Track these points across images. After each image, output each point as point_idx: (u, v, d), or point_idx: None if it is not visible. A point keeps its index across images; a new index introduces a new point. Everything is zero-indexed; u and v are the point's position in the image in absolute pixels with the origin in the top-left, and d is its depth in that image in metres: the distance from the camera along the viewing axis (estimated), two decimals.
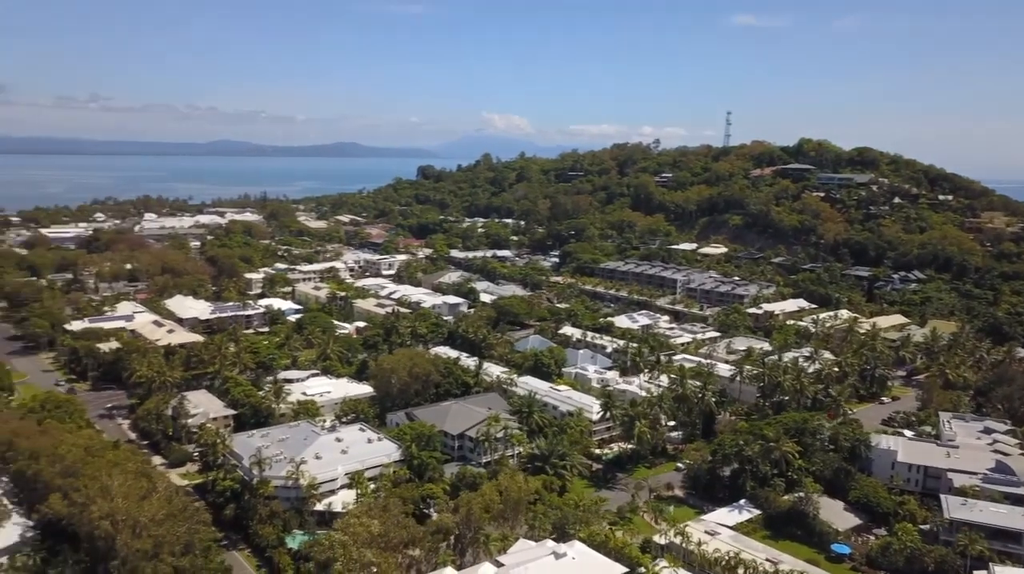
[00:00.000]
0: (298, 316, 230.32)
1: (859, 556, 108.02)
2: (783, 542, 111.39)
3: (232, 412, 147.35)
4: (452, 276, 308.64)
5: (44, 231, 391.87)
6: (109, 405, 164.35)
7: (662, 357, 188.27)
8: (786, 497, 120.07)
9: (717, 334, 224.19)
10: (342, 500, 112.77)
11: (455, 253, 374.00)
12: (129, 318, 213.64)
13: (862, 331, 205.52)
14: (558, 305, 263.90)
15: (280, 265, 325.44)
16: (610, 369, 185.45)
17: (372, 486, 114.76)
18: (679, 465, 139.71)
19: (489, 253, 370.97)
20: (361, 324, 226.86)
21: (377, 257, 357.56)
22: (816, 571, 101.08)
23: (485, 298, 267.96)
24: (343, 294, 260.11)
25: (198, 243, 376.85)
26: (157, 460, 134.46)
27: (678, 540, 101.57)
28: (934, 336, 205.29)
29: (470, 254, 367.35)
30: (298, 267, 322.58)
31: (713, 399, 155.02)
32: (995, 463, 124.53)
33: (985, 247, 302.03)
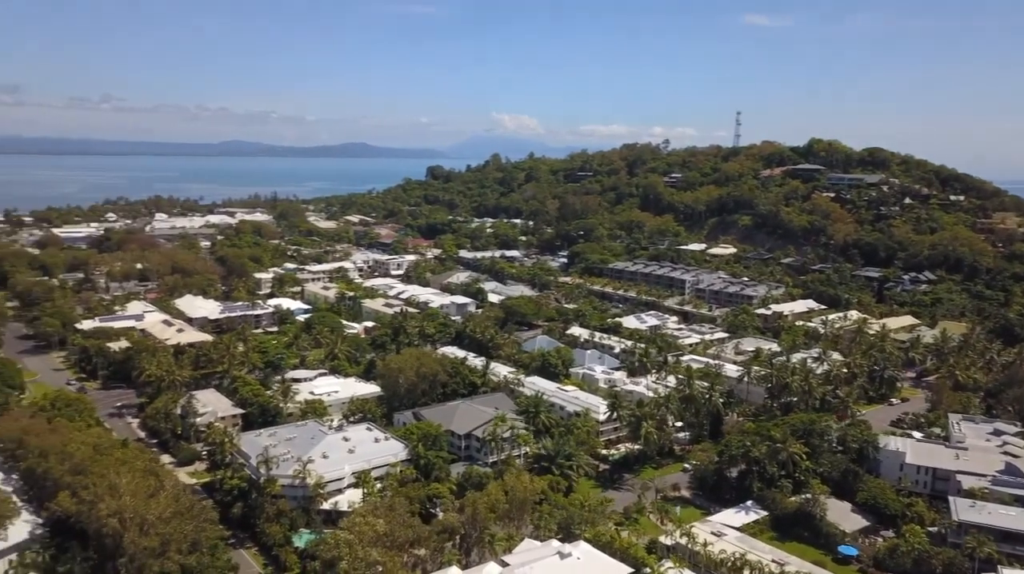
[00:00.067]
0: (307, 316, 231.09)
1: (866, 558, 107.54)
2: (790, 543, 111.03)
3: (240, 411, 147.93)
4: (460, 276, 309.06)
5: (56, 231, 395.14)
6: (119, 404, 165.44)
7: (670, 358, 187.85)
8: (793, 498, 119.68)
9: (726, 335, 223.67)
10: (349, 499, 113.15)
11: (464, 253, 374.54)
12: (139, 317, 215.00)
13: (871, 332, 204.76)
14: (566, 305, 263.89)
15: (289, 265, 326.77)
16: (618, 370, 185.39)
17: (379, 485, 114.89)
18: (686, 466, 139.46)
19: (497, 253, 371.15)
20: (369, 324, 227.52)
21: (386, 257, 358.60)
22: (823, 573, 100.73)
23: (493, 298, 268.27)
24: (352, 294, 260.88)
25: (208, 243, 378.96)
26: (166, 459, 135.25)
27: (684, 541, 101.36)
28: (944, 337, 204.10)
29: (478, 254, 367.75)
30: (307, 267, 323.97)
31: (720, 400, 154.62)
32: (1004, 465, 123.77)
33: (997, 248, 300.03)
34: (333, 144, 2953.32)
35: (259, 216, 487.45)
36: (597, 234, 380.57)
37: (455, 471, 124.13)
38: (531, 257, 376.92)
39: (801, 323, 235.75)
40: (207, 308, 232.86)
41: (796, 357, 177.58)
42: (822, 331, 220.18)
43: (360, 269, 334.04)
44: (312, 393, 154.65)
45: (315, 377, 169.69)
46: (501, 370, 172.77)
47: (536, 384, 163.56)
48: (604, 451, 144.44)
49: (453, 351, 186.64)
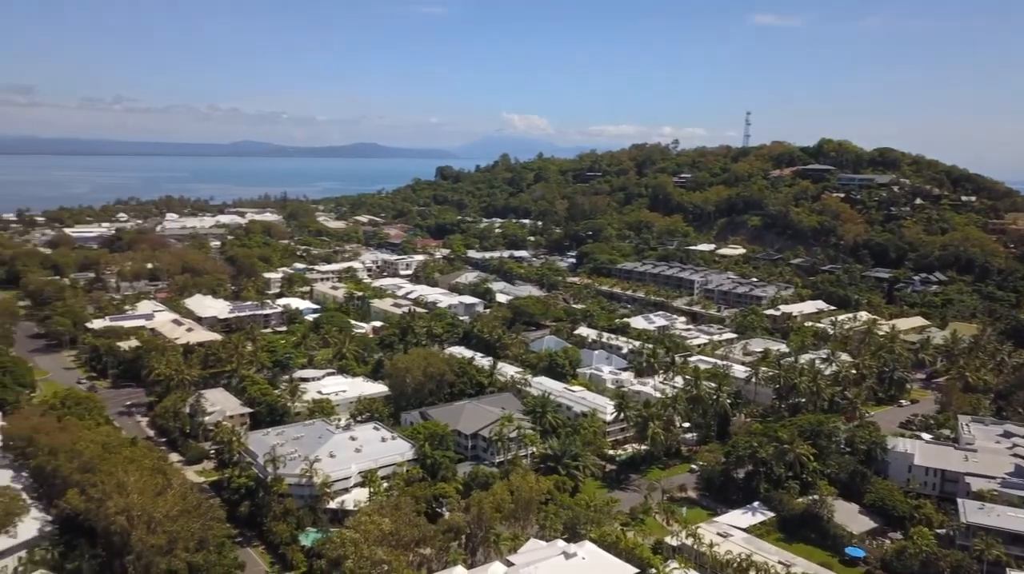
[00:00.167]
0: (315, 315, 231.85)
1: (874, 560, 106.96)
2: (796, 545, 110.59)
3: (248, 410, 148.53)
4: (469, 276, 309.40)
5: (68, 231, 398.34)
6: (128, 402, 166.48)
7: (677, 358, 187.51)
8: (800, 499, 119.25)
9: (734, 335, 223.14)
10: (355, 498, 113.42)
11: (472, 253, 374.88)
12: (149, 317, 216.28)
13: (881, 333, 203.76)
14: (574, 306, 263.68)
15: (299, 265, 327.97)
16: (625, 370, 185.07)
17: (385, 485, 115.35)
18: (693, 466, 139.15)
19: (506, 253, 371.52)
20: (378, 324, 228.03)
21: (395, 257, 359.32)
22: None
23: (501, 298, 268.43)
24: (360, 294, 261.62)
25: (218, 243, 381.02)
26: (175, 457, 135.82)
27: (690, 541, 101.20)
28: (954, 338, 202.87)
29: (487, 254, 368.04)
30: (316, 267, 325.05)
31: (728, 401, 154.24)
32: (1014, 467, 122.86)
33: (1008, 249, 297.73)
34: (343, 144, 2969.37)
35: (269, 216, 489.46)
36: (606, 234, 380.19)
37: (461, 471, 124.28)
38: (540, 257, 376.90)
39: (810, 324, 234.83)
40: (216, 308, 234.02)
41: (804, 358, 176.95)
42: (831, 332, 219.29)
43: (369, 269, 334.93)
44: (320, 392, 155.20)
45: (323, 376, 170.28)
46: (508, 370, 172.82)
47: (543, 384, 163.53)
48: (611, 451, 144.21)
49: (460, 351, 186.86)
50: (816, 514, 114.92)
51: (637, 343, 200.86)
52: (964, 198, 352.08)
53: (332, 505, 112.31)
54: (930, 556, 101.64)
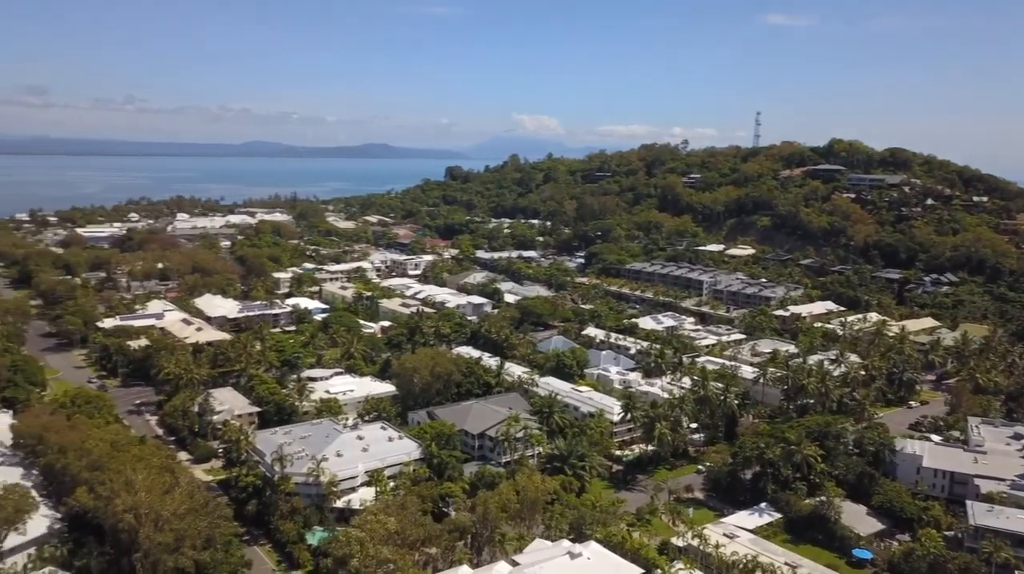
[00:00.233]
0: (324, 315, 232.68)
1: (881, 562, 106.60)
2: (803, 546, 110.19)
3: (256, 409, 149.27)
4: (477, 276, 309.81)
5: (80, 231, 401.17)
6: (138, 401, 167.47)
7: (685, 359, 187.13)
8: (807, 501, 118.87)
9: (743, 336, 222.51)
10: (362, 497, 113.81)
11: (481, 254, 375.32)
12: (159, 316, 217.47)
13: (891, 334, 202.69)
14: (582, 306, 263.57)
15: (308, 265, 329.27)
16: (633, 371, 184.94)
17: (392, 484, 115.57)
18: (700, 467, 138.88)
19: (515, 254, 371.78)
20: (386, 324, 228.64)
21: (404, 257, 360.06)
22: None
23: (509, 298, 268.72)
24: (369, 294, 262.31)
25: (228, 243, 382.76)
26: (183, 456, 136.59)
27: (696, 542, 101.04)
28: (965, 340, 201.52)
29: (496, 255, 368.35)
30: (326, 267, 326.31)
31: (736, 401, 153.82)
32: None
33: (1020, 249, 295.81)
34: (353, 145, 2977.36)
35: (279, 216, 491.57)
36: (615, 235, 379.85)
37: (468, 470, 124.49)
38: (548, 257, 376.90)
39: (820, 325, 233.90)
40: (226, 307, 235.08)
41: (813, 359, 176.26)
42: (841, 333, 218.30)
43: (378, 269, 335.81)
44: (328, 392, 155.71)
45: (331, 376, 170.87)
46: (516, 370, 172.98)
47: (550, 384, 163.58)
48: (618, 452, 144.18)
49: (468, 351, 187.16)
50: (823, 515, 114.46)
51: (645, 344, 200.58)
52: (976, 199, 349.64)
53: (339, 504, 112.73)
54: (938, 558, 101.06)
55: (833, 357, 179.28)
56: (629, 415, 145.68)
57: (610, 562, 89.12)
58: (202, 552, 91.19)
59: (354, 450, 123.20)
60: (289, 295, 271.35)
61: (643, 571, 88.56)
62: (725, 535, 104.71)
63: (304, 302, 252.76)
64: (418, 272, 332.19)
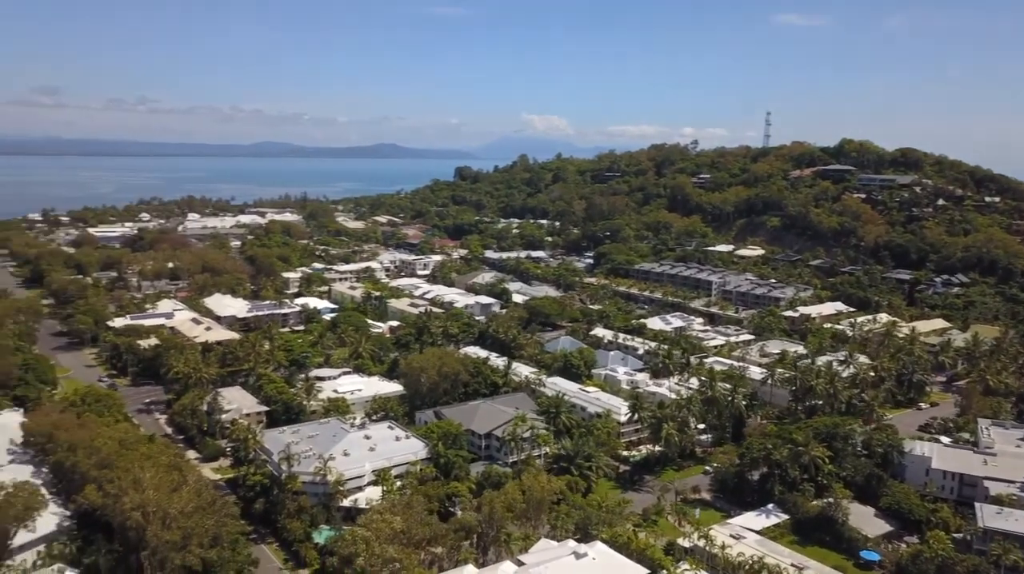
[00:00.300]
0: (333, 315, 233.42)
1: (889, 563, 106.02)
2: (811, 548, 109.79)
3: (264, 408, 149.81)
4: (486, 276, 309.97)
5: (91, 230, 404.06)
6: (147, 400, 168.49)
7: (693, 359, 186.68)
8: (815, 502, 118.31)
9: (752, 337, 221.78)
10: (368, 497, 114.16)
11: (489, 254, 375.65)
12: (169, 316, 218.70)
13: (901, 335, 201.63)
14: (591, 306, 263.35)
15: (317, 265, 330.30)
16: (641, 371, 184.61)
17: (398, 483, 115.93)
18: (707, 468, 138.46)
19: (523, 254, 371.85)
20: (395, 323, 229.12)
21: (413, 257, 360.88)
22: None
23: (517, 299, 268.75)
24: (378, 294, 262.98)
25: (238, 243, 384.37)
26: (192, 454, 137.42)
27: (702, 543, 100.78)
28: (975, 341, 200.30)
29: (504, 255, 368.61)
30: (335, 267, 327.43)
31: (743, 402, 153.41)
32: None
33: None
34: (363, 145, 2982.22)
35: (288, 216, 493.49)
36: (624, 235, 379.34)
37: (475, 470, 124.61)
38: (557, 258, 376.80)
39: (829, 326, 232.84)
40: (235, 307, 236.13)
41: (822, 360, 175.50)
42: (850, 334, 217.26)
43: (387, 269, 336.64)
44: (335, 391, 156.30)
45: (339, 375, 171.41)
46: (523, 370, 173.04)
47: (558, 385, 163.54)
48: (625, 452, 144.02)
49: (476, 351, 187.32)
50: (831, 517, 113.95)
51: (653, 344, 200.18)
52: (988, 199, 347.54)
53: (345, 503, 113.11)
54: (946, 560, 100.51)
55: (842, 358, 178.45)
56: (636, 415, 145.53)
57: (616, 562, 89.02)
58: (209, 550, 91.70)
59: (361, 449, 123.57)
60: (298, 295, 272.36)
61: (649, 572, 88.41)
62: (732, 536, 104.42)
63: (313, 302, 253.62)
64: (427, 272, 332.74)
